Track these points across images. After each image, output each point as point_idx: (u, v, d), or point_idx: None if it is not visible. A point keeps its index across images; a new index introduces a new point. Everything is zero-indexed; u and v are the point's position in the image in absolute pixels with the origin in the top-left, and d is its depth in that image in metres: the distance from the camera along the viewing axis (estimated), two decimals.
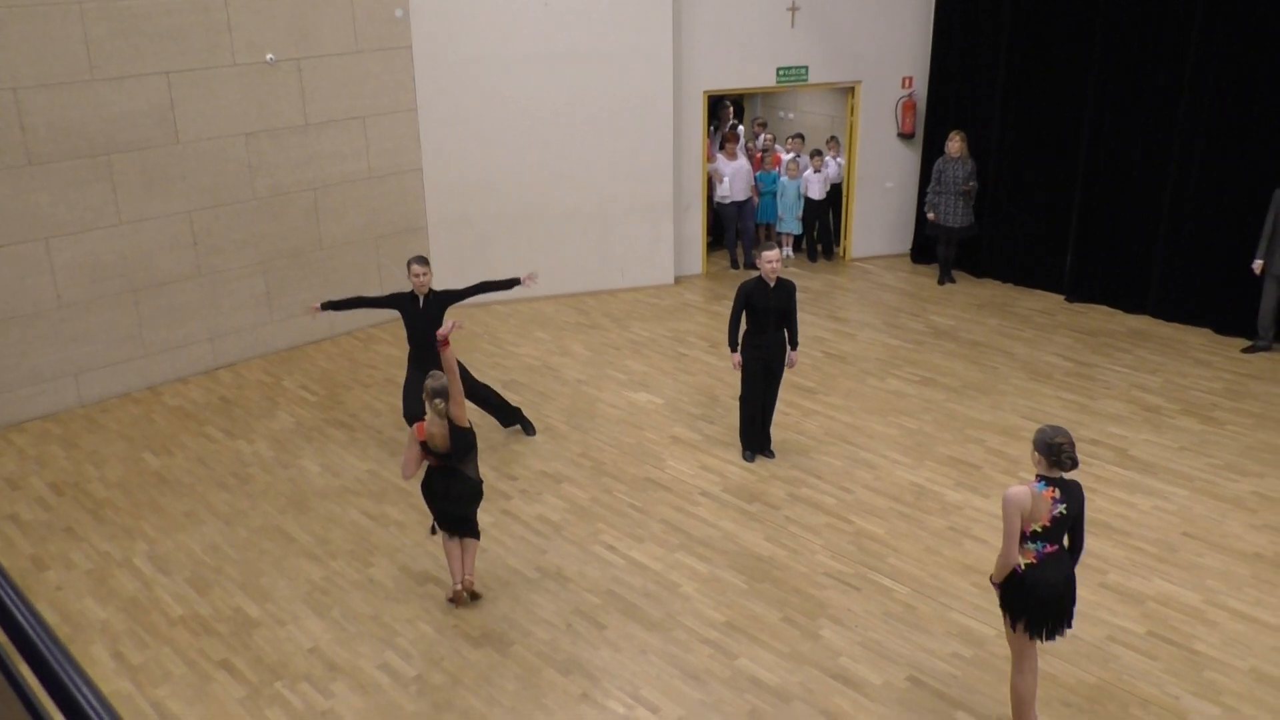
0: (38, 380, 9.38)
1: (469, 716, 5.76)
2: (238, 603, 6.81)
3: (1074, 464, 5.00)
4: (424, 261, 8.02)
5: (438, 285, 10.55)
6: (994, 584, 5.30)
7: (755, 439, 8.49)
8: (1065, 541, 5.16)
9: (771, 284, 7.97)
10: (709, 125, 12.85)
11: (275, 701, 5.90)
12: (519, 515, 7.75)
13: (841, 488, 8.04)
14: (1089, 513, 7.18)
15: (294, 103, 10.39)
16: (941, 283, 12.47)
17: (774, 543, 7.36)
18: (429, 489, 6.50)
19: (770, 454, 8.52)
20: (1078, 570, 5.29)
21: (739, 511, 7.76)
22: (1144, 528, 7.44)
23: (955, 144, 11.93)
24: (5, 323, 9.12)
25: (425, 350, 7.93)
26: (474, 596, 6.74)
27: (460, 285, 8.51)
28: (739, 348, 8.22)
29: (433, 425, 6.27)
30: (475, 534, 6.66)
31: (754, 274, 8.14)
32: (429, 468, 6.44)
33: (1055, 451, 4.98)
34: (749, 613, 6.61)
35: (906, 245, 13.36)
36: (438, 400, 6.20)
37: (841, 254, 13.54)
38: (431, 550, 7.23)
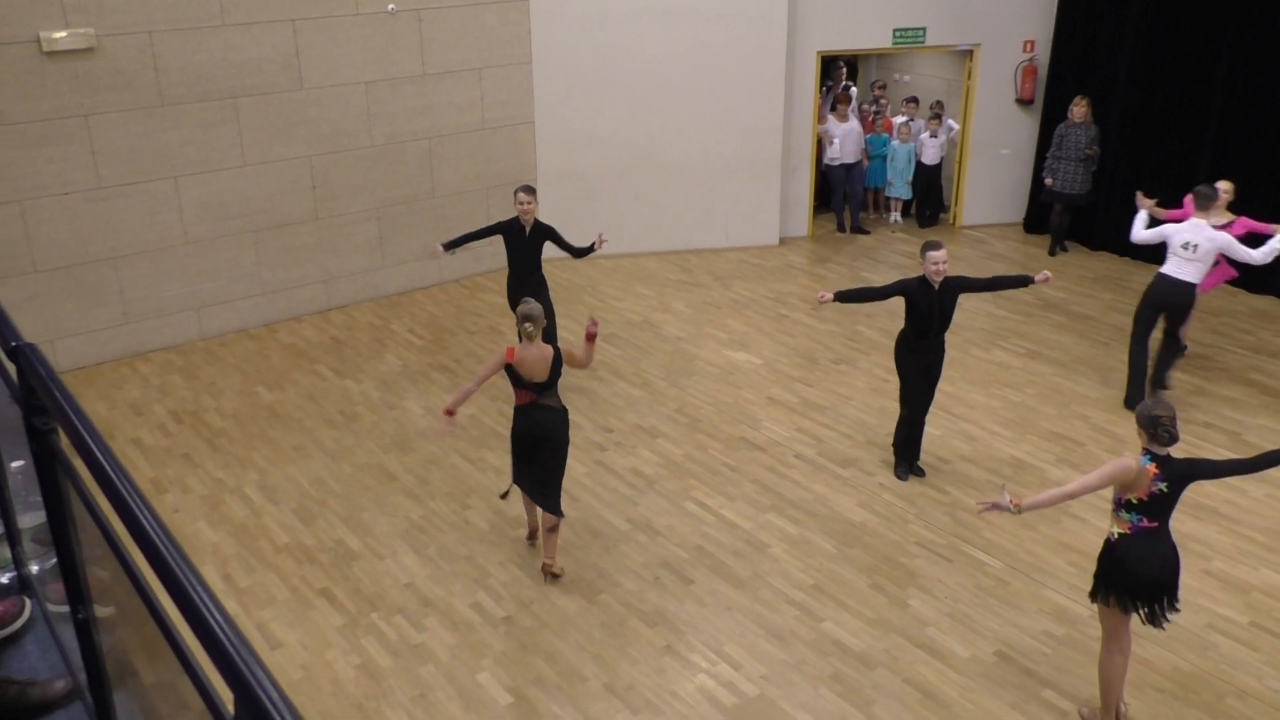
0: (163, 313, 9.83)
1: (555, 660, 5.92)
2: (340, 535, 7.09)
3: (1171, 439, 4.91)
4: (530, 191, 8.23)
5: None
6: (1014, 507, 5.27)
7: (908, 454, 7.74)
8: (1170, 522, 5.05)
9: (935, 286, 7.11)
10: (821, 86, 12.65)
11: (371, 631, 6.15)
12: (612, 467, 7.86)
13: (939, 457, 7.94)
14: (1197, 498, 7.01)
15: (413, 53, 10.56)
16: (1053, 253, 12.11)
17: (866, 509, 7.33)
18: (519, 427, 6.36)
19: (920, 472, 7.77)
20: (1181, 553, 5.16)
21: (833, 476, 7.74)
22: (1254, 515, 7.18)
23: (1080, 109, 11.51)
24: (135, 256, 9.56)
25: (524, 278, 8.21)
26: (554, 577, 6.59)
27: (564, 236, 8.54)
28: (849, 300, 7.37)
29: (526, 352, 6.20)
30: (555, 508, 6.43)
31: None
32: (516, 408, 6.40)
33: (1153, 424, 4.92)
34: (837, 577, 6.61)
35: (1019, 214, 12.99)
36: (528, 324, 6.15)
37: (952, 221, 13.25)
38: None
